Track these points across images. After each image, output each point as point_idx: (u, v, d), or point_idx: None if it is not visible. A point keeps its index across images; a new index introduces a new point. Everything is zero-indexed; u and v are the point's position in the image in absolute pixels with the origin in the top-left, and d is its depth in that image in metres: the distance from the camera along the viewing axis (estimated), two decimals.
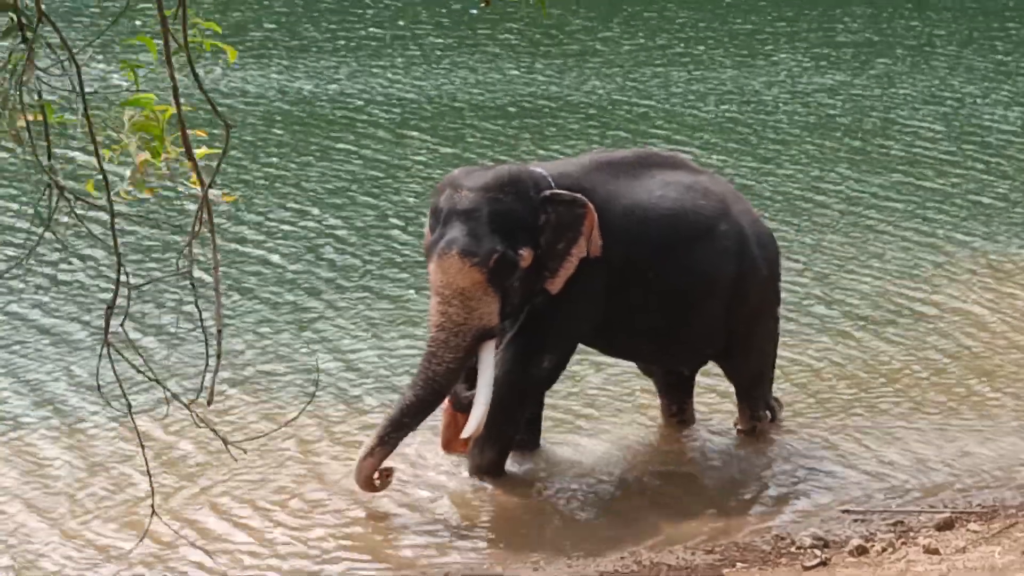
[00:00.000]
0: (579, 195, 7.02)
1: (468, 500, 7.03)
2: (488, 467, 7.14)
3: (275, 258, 10.24)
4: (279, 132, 13.64)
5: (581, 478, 7.31)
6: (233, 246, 10.30)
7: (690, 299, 7.34)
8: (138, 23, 15.78)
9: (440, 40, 18.06)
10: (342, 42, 17.67)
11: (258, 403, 7.96)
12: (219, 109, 3.98)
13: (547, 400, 7.59)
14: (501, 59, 17.10)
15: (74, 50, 3.80)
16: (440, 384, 6.95)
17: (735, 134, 14.24)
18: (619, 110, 15.02)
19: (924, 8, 21.83)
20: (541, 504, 7.05)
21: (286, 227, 10.85)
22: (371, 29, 18.53)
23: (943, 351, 9.00)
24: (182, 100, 3.88)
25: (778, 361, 7.94)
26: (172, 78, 3.88)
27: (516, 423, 7.20)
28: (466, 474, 7.19)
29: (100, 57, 14.73)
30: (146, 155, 3.98)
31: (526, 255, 6.95)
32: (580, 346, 7.59)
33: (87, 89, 3.86)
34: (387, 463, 6.87)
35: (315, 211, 11.31)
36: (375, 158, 12.86)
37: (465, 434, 7.08)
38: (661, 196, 7.32)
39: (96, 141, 3.90)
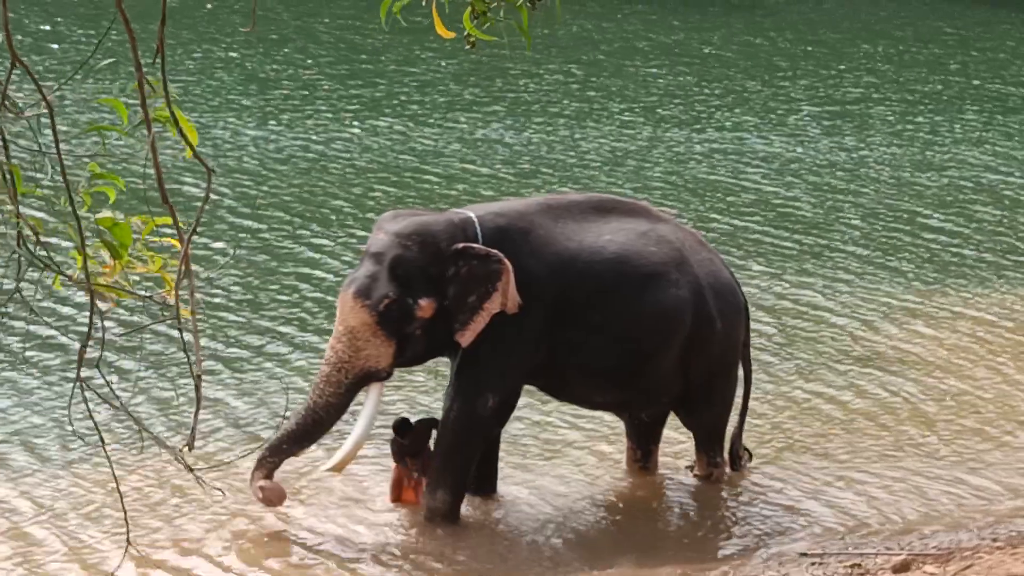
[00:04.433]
0: (494, 251, 6.99)
1: (420, 545, 7.03)
2: (442, 510, 7.14)
3: (259, 298, 10.33)
4: (268, 182, 13.70)
5: (538, 523, 7.31)
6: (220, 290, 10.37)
7: (635, 344, 7.29)
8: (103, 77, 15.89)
9: (441, 97, 18.15)
10: (340, 96, 17.79)
11: (234, 441, 8.03)
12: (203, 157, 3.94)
13: (504, 444, 7.60)
14: (505, 116, 17.17)
15: (48, 95, 3.75)
16: (319, 416, 7.02)
17: (735, 191, 14.33)
18: (623, 168, 15.03)
19: (935, 66, 22.08)
20: (495, 550, 7.03)
21: (271, 271, 10.93)
22: (376, 86, 18.67)
23: (900, 394, 9.03)
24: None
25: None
26: (148, 125, 3.82)
27: (463, 464, 7.18)
28: (420, 518, 7.19)
29: (70, 105, 14.84)
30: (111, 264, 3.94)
31: (425, 305, 6.98)
32: (540, 393, 7.67)
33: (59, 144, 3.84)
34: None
35: (300, 253, 11.44)
36: (362, 206, 12.95)
37: (325, 467, 7.16)
38: (609, 240, 7.29)
39: (71, 194, 3.86)
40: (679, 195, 13.94)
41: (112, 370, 8.72)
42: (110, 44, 19.18)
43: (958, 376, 9.37)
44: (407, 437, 7.31)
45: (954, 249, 12.43)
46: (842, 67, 21.72)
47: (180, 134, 3.96)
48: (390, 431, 7.37)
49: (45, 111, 3.83)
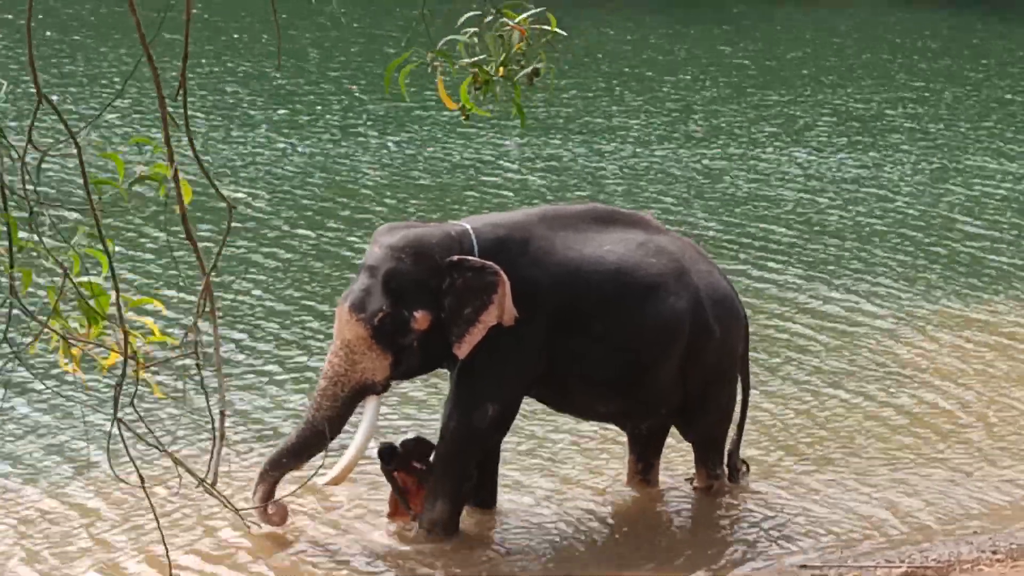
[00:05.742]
0: (489, 263, 6.98)
1: (418, 557, 7.02)
2: (440, 521, 7.13)
3: (275, 309, 10.31)
4: (282, 195, 13.68)
5: (537, 536, 7.30)
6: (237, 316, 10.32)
7: (635, 354, 7.28)
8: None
9: (457, 112, 18.04)
10: (350, 113, 17.80)
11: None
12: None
13: (504, 456, 7.59)
14: (522, 131, 17.10)
15: (76, 135, 3.78)
16: (318, 430, 7.02)
17: (741, 206, 14.31)
18: (642, 182, 14.96)
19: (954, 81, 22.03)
20: (492, 562, 7.02)
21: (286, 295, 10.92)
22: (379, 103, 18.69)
23: (900, 408, 9.00)
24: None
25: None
26: (171, 159, 3.83)
27: (461, 474, 7.17)
28: (418, 530, 7.18)
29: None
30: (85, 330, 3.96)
31: (420, 318, 6.98)
32: (540, 406, 7.65)
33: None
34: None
35: (314, 279, 11.41)
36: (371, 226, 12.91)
37: (323, 480, 7.15)
38: (609, 250, 7.28)
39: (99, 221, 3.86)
40: (700, 208, 13.91)
41: (145, 411, 8.45)
42: (126, 63, 19.31)
43: (970, 387, 9.33)
44: (393, 462, 7.29)
45: (980, 259, 12.38)
46: (858, 79, 21.67)
47: (206, 176, 4.02)
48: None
49: (74, 149, 3.86)
